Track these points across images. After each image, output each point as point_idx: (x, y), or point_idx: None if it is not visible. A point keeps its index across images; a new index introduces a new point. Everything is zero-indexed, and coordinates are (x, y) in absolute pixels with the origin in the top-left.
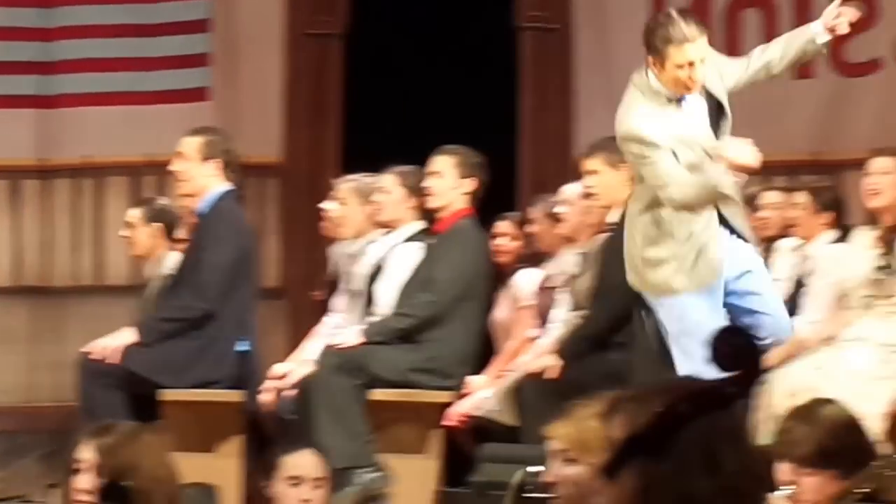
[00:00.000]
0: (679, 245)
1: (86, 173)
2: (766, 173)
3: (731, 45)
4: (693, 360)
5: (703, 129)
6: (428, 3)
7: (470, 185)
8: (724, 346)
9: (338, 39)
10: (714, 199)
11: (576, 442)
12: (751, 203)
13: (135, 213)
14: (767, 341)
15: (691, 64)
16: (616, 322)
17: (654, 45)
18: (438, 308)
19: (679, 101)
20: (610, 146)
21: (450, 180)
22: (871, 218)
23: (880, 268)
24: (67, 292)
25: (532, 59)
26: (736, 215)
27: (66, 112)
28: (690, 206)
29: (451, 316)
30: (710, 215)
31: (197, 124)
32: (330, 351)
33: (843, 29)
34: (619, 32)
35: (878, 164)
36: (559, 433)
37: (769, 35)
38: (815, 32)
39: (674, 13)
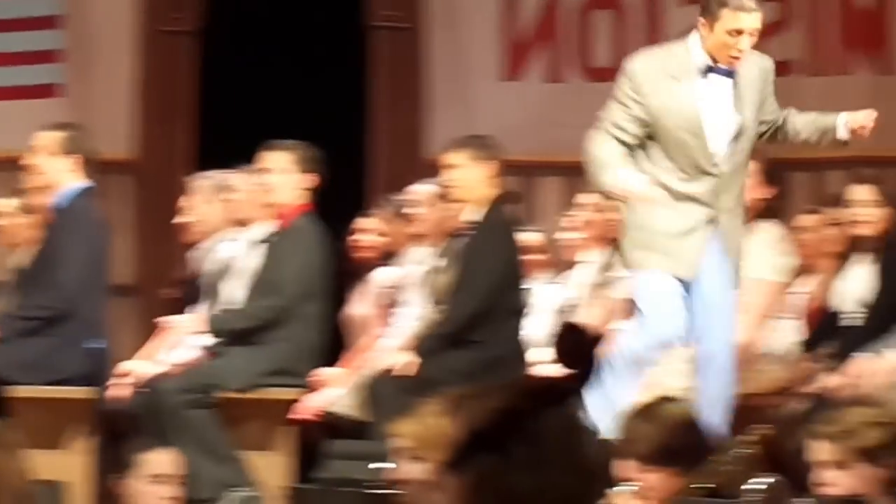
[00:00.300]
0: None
1: None
2: None
3: (584, 46)
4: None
5: (705, 110)
6: (282, 2)
7: (309, 180)
8: (564, 343)
9: (191, 37)
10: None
11: (420, 439)
12: (601, 201)
13: (9, 203)
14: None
15: (740, 32)
16: (475, 321)
17: (710, 5)
18: (280, 311)
19: (708, 72)
20: (474, 143)
21: (286, 176)
22: None
23: None
24: None
25: (383, 58)
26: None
27: None
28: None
29: (294, 316)
30: (695, 211)
31: (48, 120)
32: (172, 376)
33: (863, 136)
34: (471, 33)
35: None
36: (404, 431)
37: (620, 36)
38: (840, 129)
39: None
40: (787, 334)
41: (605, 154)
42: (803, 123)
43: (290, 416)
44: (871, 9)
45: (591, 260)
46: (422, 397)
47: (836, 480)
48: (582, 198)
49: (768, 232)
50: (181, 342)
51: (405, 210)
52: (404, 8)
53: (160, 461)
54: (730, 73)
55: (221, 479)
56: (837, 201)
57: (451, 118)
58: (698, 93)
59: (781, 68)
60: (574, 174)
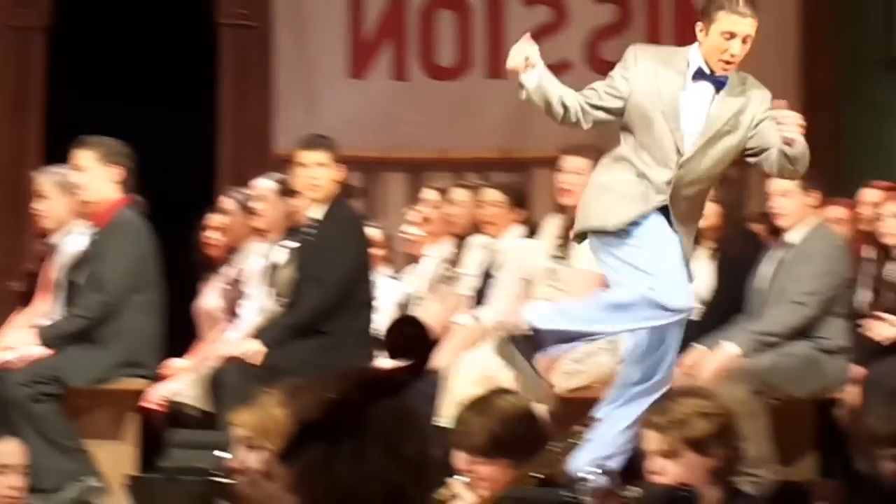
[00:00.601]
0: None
1: None
2: (458, 170)
3: (426, 45)
4: None
5: (684, 102)
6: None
7: (117, 174)
8: (396, 335)
9: (40, 32)
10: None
11: (257, 428)
12: (444, 198)
13: None
14: None
15: (733, 35)
16: (325, 312)
17: (709, 8)
18: (107, 306)
19: (696, 77)
20: (325, 142)
21: (95, 173)
22: (560, 213)
23: (556, 257)
24: None
25: (232, 56)
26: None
27: None
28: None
29: (127, 308)
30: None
31: None
32: (16, 366)
33: (793, 136)
34: (318, 32)
35: (572, 163)
36: (242, 420)
37: (462, 36)
38: (783, 148)
39: None
40: None
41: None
42: (775, 159)
43: (139, 404)
44: None
45: (434, 254)
46: (265, 386)
47: (665, 469)
48: (425, 193)
49: None
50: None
51: (249, 204)
52: (253, 7)
53: (3, 451)
54: (718, 85)
55: (66, 469)
56: None
57: (299, 115)
58: (683, 86)
59: (557, 68)
60: (417, 170)
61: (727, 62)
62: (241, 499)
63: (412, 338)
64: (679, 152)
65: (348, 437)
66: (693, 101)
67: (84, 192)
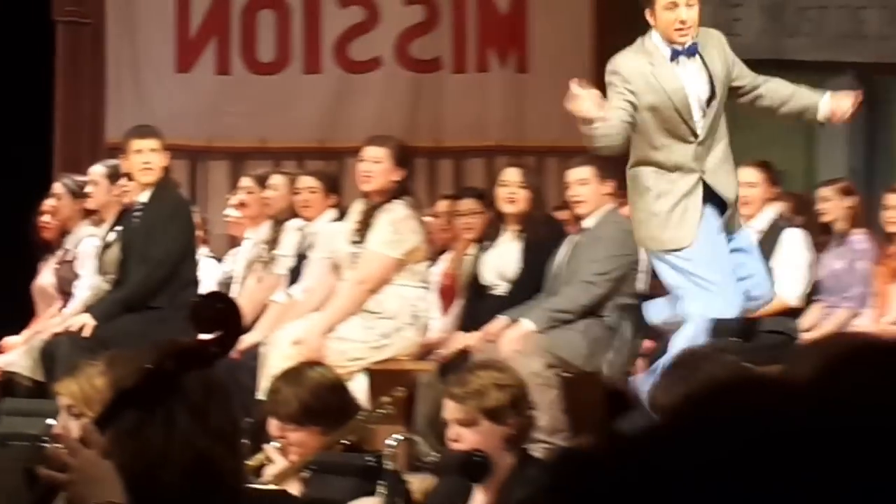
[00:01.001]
0: (653, 202)
1: None
2: (276, 158)
3: (247, 42)
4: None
5: (683, 88)
6: None
7: None
8: (205, 309)
9: None
10: (590, 143)
11: (79, 397)
12: (262, 184)
13: None
14: (758, 301)
15: (675, 4)
16: (148, 289)
17: None
18: None
19: (675, 56)
20: (154, 131)
21: None
22: (363, 198)
23: (354, 242)
24: None
25: (66, 51)
26: (720, 184)
27: None
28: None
29: None
30: (684, 179)
31: None
32: None
33: (842, 120)
34: (147, 30)
35: (370, 152)
36: (66, 389)
37: (283, 33)
38: (821, 109)
39: None
40: (426, 304)
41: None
42: (784, 97)
43: None
44: (509, 12)
45: (252, 237)
46: (92, 358)
47: (462, 436)
48: (243, 180)
49: (394, 211)
50: None
51: (85, 189)
52: (87, 4)
53: None
54: (693, 52)
55: None
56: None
57: (129, 107)
58: (673, 74)
59: (430, 66)
60: (239, 158)
61: (682, 29)
62: (61, 464)
63: (222, 312)
64: (694, 133)
65: (160, 405)
66: (688, 79)
67: None
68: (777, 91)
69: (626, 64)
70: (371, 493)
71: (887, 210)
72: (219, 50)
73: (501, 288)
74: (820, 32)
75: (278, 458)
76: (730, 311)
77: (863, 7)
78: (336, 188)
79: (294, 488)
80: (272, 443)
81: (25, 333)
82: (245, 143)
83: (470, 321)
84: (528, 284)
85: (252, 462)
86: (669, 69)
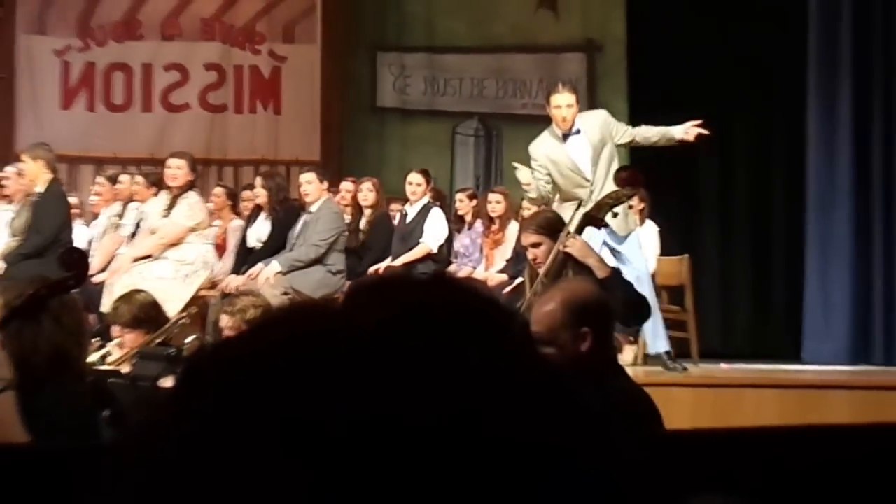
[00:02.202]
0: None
1: None
2: (123, 164)
3: (106, 92)
4: None
5: (573, 160)
6: None
7: None
8: (66, 256)
9: None
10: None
11: None
12: (113, 181)
13: None
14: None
15: (558, 107)
16: (39, 246)
17: (548, 100)
18: None
19: (566, 138)
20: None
21: None
22: None
23: (164, 216)
24: None
25: None
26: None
27: None
28: (538, 200)
29: None
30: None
31: None
32: None
33: (691, 140)
34: (42, 83)
35: (175, 161)
36: None
37: (128, 87)
38: (675, 135)
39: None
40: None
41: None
42: (651, 136)
43: None
44: (270, 77)
45: (107, 213)
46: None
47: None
48: (100, 178)
49: (189, 197)
50: None
51: (1, 182)
52: (3, 66)
53: None
54: (577, 132)
55: None
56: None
57: (31, 130)
58: (563, 150)
59: (219, 108)
60: (99, 164)
61: (565, 121)
62: None
63: (77, 259)
64: (587, 180)
65: (34, 316)
66: (575, 152)
67: None
68: (644, 134)
69: (536, 150)
70: (174, 374)
71: (489, 203)
72: (88, 96)
73: (259, 247)
74: (457, 93)
75: (116, 351)
76: None
77: (484, 78)
78: (159, 183)
79: (125, 369)
80: (113, 341)
81: None
82: (103, 154)
83: (239, 267)
84: (276, 245)
85: (101, 353)
86: (561, 147)
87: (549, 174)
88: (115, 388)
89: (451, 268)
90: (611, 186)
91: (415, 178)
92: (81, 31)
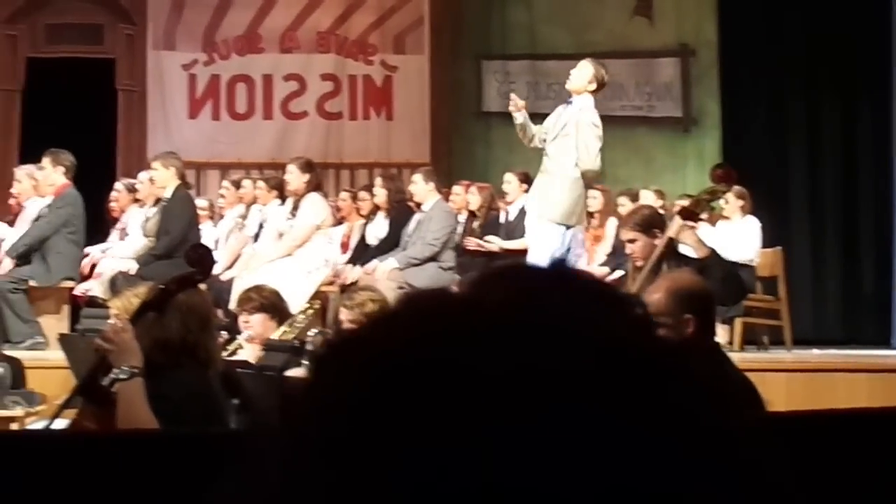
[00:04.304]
0: None
1: None
2: (247, 169)
3: (230, 102)
4: None
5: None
6: None
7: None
8: (192, 254)
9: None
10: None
11: (121, 308)
12: (237, 185)
13: None
14: None
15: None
16: (170, 248)
17: None
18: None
19: (566, 103)
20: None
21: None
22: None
23: (289, 219)
24: None
25: (125, 107)
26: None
27: None
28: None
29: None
30: None
31: None
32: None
33: (513, 108)
34: (171, 94)
35: (289, 167)
36: (115, 304)
37: (250, 97)
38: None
39: None
40: (333, 253)
41: None
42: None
43: (68, 295)
44: (382, 86)
45: (232, 215)
46: (134, 286)
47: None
48: (225, 183)
49: (310, 199)
50: None
51: (136, 186)
52: (135, 78)
53: None
54: (570, 104)
55: (26, 331)
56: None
57: (161, 139)
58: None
59: (335, 116)
60: (224, 169)
61: (568, 84)
62: (108, 341)
63: (202, 254)
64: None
65: (165, 309)
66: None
67: None
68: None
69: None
70: (299, 365)
71: (589, 200)
72: (213, 106)
73: (376, 244)
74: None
75: (246, 344)
76: None
77: None
78: (279, 187)
79: (253, 360)
80: (242, 335)
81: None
82: (228, 160)
83: (356, 262)
84: (391, 243)
85: (231, 347)
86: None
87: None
88: (244, 378)
89: None
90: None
91: (510, 179)
92: (207, 45)
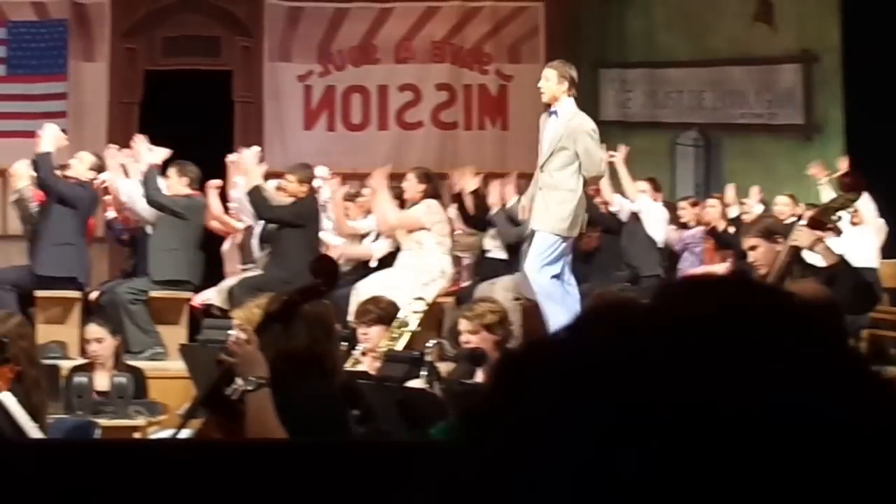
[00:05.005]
0: None
1: None
2: (362, 179)
3: (345, 113)
4: None
5: (544, 134)
6: None
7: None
8: (315, 265)
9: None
10: None
11: (244, 319)
12: (354, 197)
13: None
14: None
15: (539, 80)
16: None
17: None
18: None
19: (549, 115)
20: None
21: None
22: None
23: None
24: None
25: (242, 118)
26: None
27: None
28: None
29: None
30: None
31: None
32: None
33: None
34: (287, 106)
35: (408, 175)
36: (237, 314)
37: (365, 108)
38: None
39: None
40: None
41: None
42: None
43: (187, 305)
44: (497, 95)
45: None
46: (254, 296)
47: (470, 341)
48: (362, 190)
49: (426, 205)
50: None
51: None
52: (252, 90)
53: (94, 330)
54: (555, 114)
55: (145, 341)
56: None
57: (277, 150)
58: (545, 122)
59: (450, 126)
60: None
61: (542, 96)
62: (233, 354)
63: (326, 266)
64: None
65: (290, 320)
66: (546, 129)
67: None
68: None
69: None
70: (418, 376)
71: (708, 208)
72: (328, 117)
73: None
74: (677, 105)
75: (363, 357)
76: None
77: (702, 90)
78: (398, 196)
79: (372, 371)
80: (360, 346)
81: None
82: (344, 171)
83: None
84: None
85: (349, 362)
86: (545, 121)
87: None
88: (364, 389)
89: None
90: (547, 197)
91: (641, 186)
92: (322, 57)
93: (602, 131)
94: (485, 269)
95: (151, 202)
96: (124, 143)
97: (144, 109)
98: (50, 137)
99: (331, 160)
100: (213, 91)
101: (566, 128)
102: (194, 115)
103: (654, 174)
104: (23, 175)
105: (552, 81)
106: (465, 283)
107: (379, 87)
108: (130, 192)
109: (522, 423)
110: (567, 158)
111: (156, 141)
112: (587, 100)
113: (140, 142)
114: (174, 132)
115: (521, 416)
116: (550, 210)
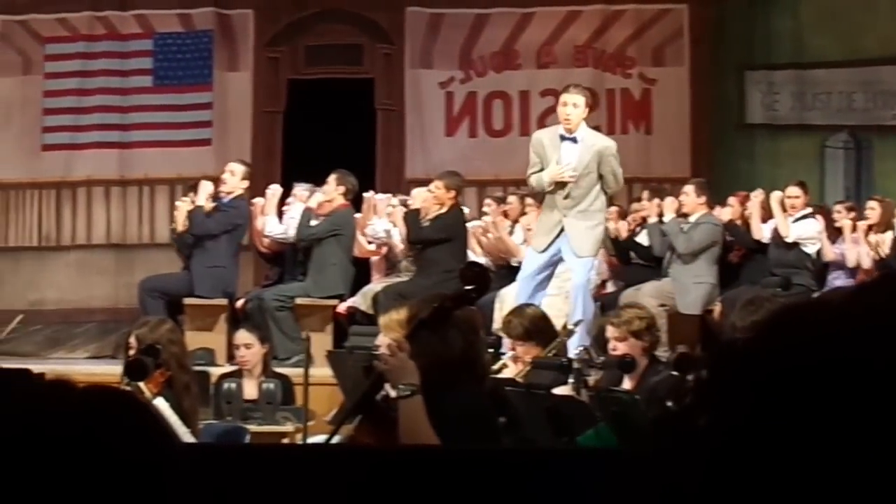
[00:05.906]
0: None
1: None
2: (504, 185)
3: (486, 120)
4: None
5: (562, 159)
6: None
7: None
8: (466, 272)
9: (281, 115)
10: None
11: (392, 325)
12: (500, 202)
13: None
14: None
15: (565, 104)
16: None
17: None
18: None
19: (563, 139)
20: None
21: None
22: None
23: None
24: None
25: (384, 126)
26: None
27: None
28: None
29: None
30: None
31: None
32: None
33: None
34: (429, 113)
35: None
36: (385, 321)
37: (507, 114)
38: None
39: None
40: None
41: (535, 176)
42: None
43: (333, 312)
44: (640, 99)
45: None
46: (400, 303)
47: (618, 348)
48: (487, 200)
49: None
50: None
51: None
52: (394, 98)
53: (245, 336)
54: (575, 140)
55: (293, 348)
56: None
57: (419, 157)
58: (557, 149)
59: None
60: (482, 186)
61: (567, 122)
62: (385, 362)
63: (477, 273)
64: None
65: (443, 326)
66: (566, 155)
67: None
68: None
69: (535, 137)
70: (565, 383)
71: (866, 211)
72: (470, 123)
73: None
74: (826, 107)
75: (511, 363)
76: None
77: (853, 91)
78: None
79: (520, 379)
80: (507, 354)
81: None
82: (486, 177)
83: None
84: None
85: (496, 367)
86: (557, 142)
87: (539, 162)
88: (511, 396)
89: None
90: (584, 222)
91: (793, 192)
92: (463, 63)
93: (749, 134)
94: (629, 275)
95: (304, 239)
96: (269, 152)
97: (287, 118)
98: (204, 194)
99: (472, 167)
100: (355, 99)
101: (591, 153)
102: (337, 123)
103: (802, 178)
104: (207, 192)
105: (581, 108)
106: (609, 290)
107: (521, 92)
108: (273, 230)
109: (749, 430)
110: (592, 181)
111: (299, 149)
112: (732, 103)
113: (274, 194)
114: (317, 140)
115: (748, 424)
116: (585, 235)
